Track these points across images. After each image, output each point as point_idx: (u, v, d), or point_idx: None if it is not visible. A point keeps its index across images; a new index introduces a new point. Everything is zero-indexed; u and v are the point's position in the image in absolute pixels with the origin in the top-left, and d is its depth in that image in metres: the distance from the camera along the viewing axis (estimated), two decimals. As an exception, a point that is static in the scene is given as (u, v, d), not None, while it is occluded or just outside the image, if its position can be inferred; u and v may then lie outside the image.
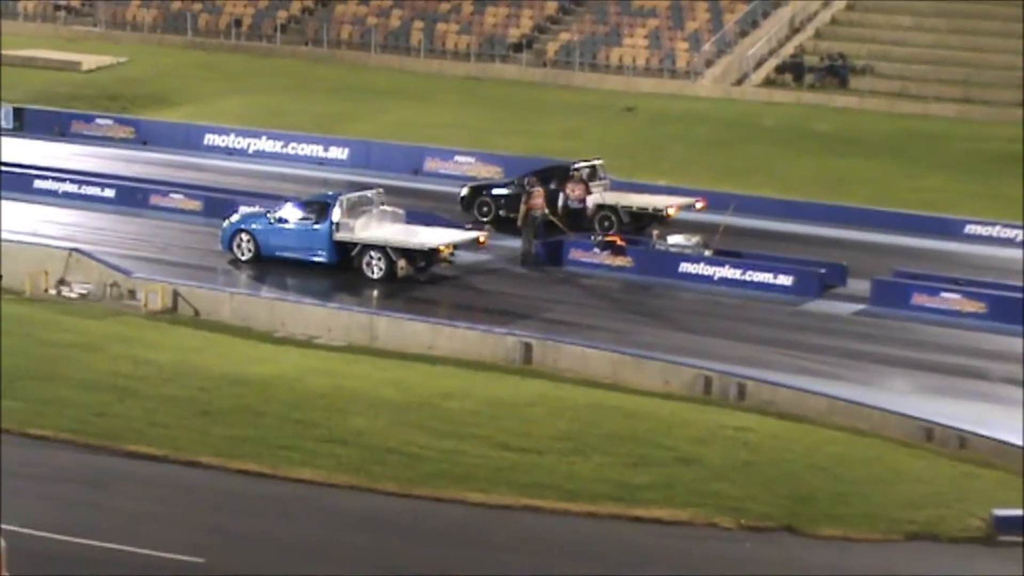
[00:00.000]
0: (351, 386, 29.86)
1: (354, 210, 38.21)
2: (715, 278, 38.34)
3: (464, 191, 44.28)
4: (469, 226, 40.63)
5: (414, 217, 39.92)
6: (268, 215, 38.77)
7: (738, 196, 43.85)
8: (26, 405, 27.91)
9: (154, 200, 44.10)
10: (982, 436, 28.15)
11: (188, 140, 54.11)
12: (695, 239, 39.50)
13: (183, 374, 30.15)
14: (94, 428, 27.07)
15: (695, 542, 23.65)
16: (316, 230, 38.13)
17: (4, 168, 45.89)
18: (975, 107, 62.37)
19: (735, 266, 38.41)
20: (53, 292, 36.61)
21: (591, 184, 42.66)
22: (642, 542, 23.55)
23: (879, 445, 28.01)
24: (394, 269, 37.40)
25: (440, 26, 71.52)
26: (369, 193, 39.18)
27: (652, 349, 32.71)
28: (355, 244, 37.79)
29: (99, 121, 56.01)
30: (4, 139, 51.80)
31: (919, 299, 36.65)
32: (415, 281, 37.71)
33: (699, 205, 43.31)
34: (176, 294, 35.69)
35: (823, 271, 38.35)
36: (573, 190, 42.26)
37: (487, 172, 48.97)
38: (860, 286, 37.75)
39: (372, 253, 37.60)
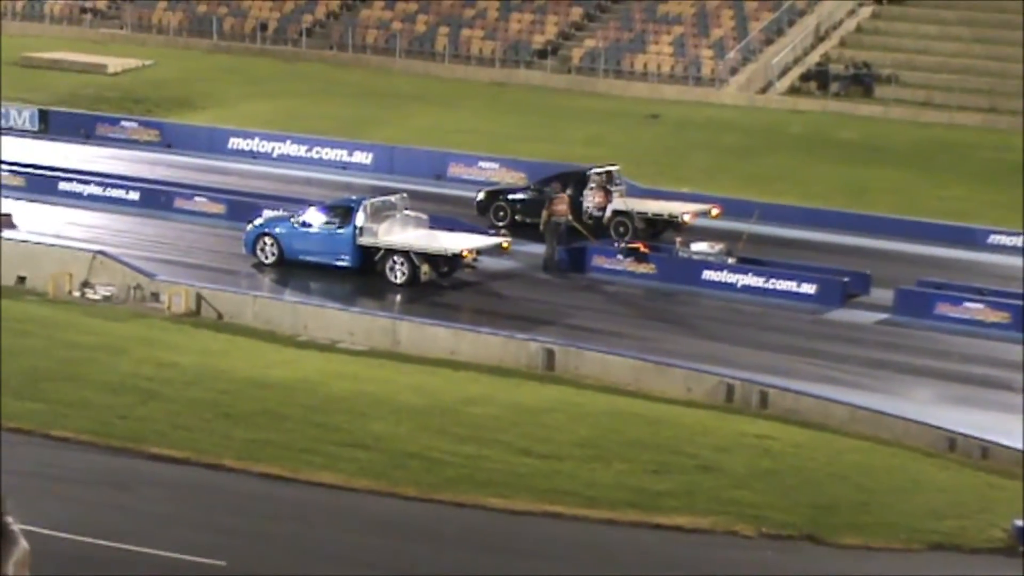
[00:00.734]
0: (373, 390, 29.88)
1: (378, 215, 38.21)
2: (738, 286, 38.26)
3: (480, 195, 44.07)
4: (495, 231, 40.60)
5: (437, 222, 39.89)
6: (292, 219, 38.78)
7: (762, 204, 43.73)
8: (49, 407, 27.98)
9: (178, 203, 44.18)
10: (1005, 447, 28.06)
11: (212, 143, 54.11)
12: (718, 247, 39.39)
13: (206, 377, 30.19)
14: (117, 430, 27.14)
15: (715, 550, 23.62)
16: (340, 234, 38.14)
17: (29, 170, 46.11)
18: (1000, 116, 62.10)
19: (758, 274, 38.33)
20: (77, 294, 36.68)
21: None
22: (662, 549, 23.53)
23: (901, 454, 27.93)
24: (417, 274, 37.37)
25: (465, 31, 71.51)
26: (393, 198, 39.18)
27: (674, 356, 32.65)
28: (378, 249, 37.79)
29: (124, 124, 56.04)
30: (29, 141, 52.01)
31: (943, 309, 36.52)
32: (438, 286, 37.71)
33: (714, 212, 43.08)
34: (199, 297, 35.75)
35: (846, 280, 38.20)
36: (594, 196, 42.22)
37: (511, 178, 48.92)
38: (883, 295, 37.60)
39: (395, 258, 37.59)
